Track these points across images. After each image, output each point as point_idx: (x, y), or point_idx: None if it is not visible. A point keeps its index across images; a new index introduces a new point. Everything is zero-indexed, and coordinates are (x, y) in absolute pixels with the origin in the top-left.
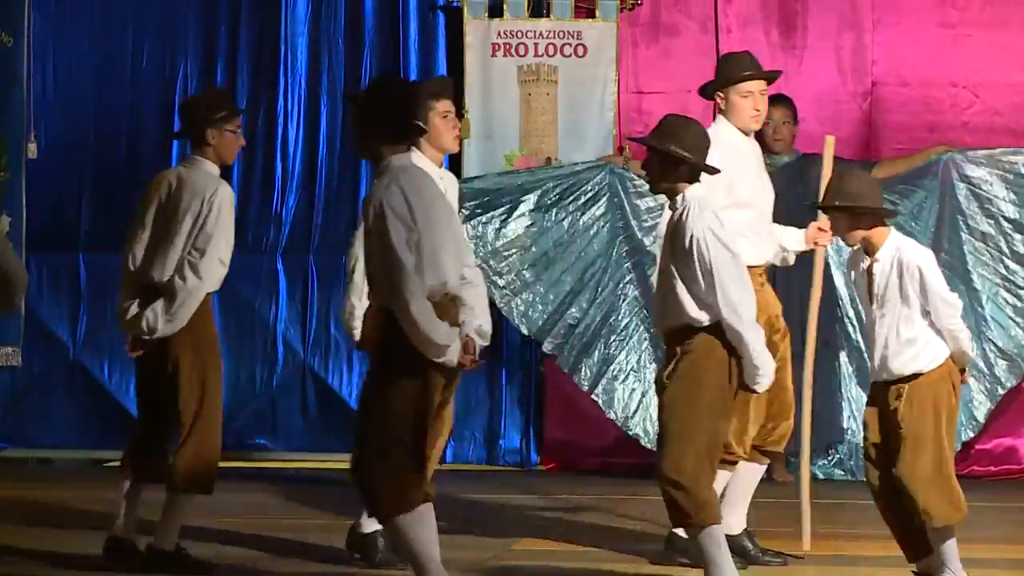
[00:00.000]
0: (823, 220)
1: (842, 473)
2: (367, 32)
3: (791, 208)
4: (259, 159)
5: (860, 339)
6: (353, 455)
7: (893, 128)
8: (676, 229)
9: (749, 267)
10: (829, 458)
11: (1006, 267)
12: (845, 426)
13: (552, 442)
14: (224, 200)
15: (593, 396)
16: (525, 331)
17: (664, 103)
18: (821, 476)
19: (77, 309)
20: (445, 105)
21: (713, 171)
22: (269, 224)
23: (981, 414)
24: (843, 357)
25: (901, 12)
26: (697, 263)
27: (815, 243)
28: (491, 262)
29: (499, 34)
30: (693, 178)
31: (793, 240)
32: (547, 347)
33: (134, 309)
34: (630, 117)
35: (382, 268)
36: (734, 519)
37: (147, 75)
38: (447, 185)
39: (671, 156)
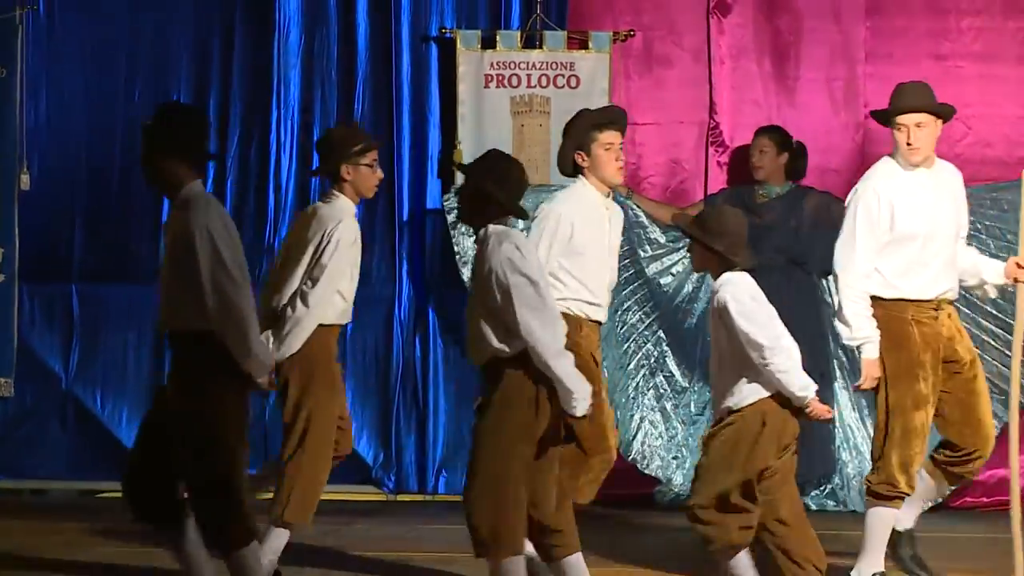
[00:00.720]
0: (1022, 255)
1: (835, 504)
2: (360, 63)
3: (783, 239)
4: (252, 190)
5: (850, 371)
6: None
7: None
8: (478, 261)
9: (917, 301)
10: (822, 489)
11: (993, 302)
12: (837, 457)
13: None
14: (344, 234)
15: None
16: None
17: (657, 134)
18: (814, 507)
19: (70, 340)
20: (609, 136)
21: (523, 215)
22: (262, 255)
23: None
24: (836, 387)
25: (893, 44)
26: (497, 294)
27: (1015, 279)
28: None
29: (492, 65)
30: (501, 218)
31: (992, 273)
32: None
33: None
34: (624, 148)
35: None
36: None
37: (140, 106)
38: (612, 215)
39: (483, 193)
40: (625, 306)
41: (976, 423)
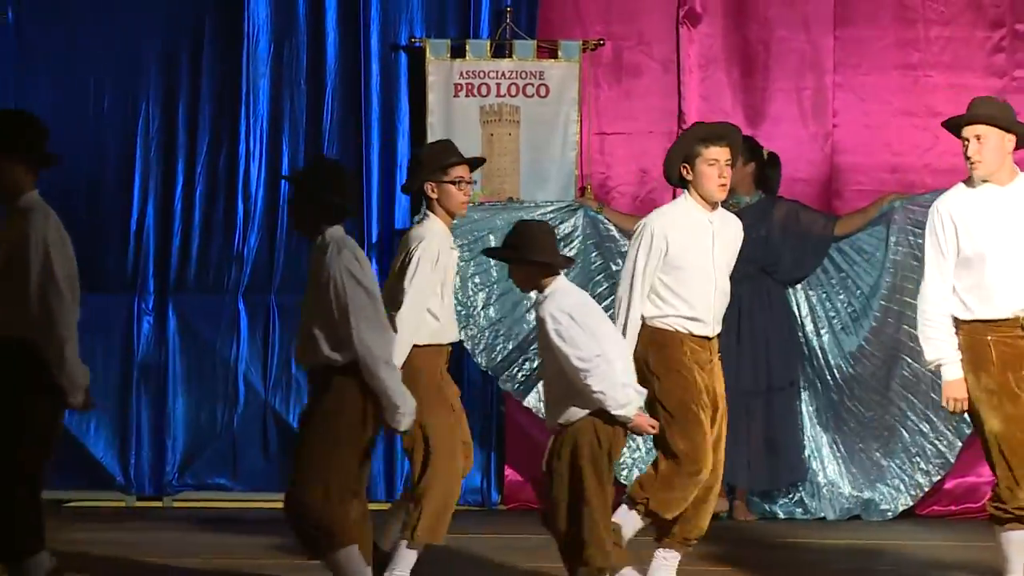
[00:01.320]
0: None
1: (803, 512)
2: (329, 72)
3: (753, 248)
4: (221, 199)
5: (819, 379)
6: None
7: (854, 169)
8: (315, 268)
9: (994, 321)
10: (791, 497)
11: None
12: (808, 466)
13: (513, 481)
14: (424, 254)
15: None
16: (484, 367)
17: (627, 144)
18: (783, 515)
19: None
20: (714, 152)
21: (352, 214)
22: (231, 264)
23: (952, 454)
24: (804, 396)
25: (862, 53)
26: (334, 302)
27: None
28: (458, 296)
29: (461, 74)
30: (336, 219)
31: None
32: (505, 386)
33: None
34: (593, 158)
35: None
36: None
37: (109, 115)
38: (718, 229)
39: (322, 201)
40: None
41: None
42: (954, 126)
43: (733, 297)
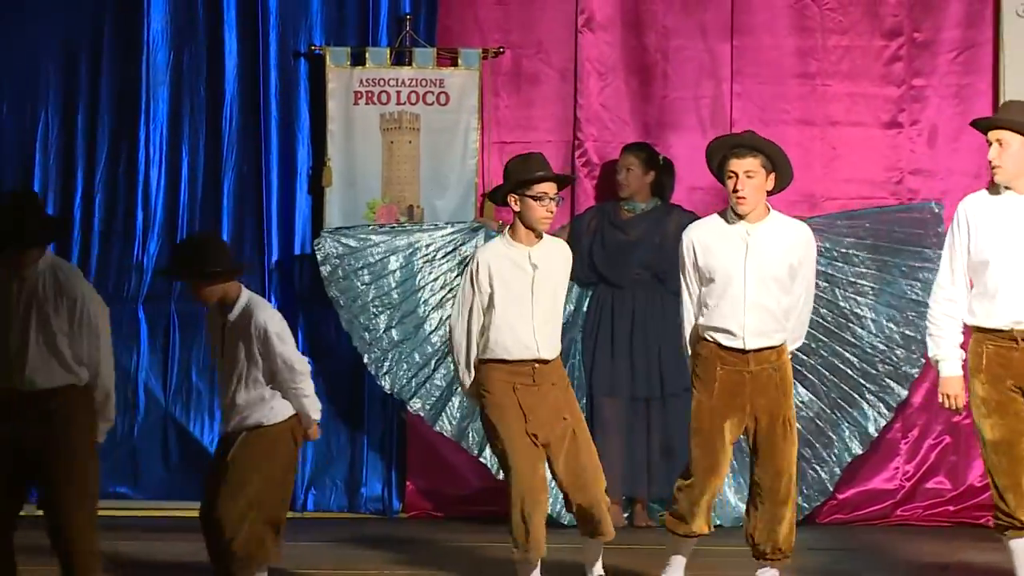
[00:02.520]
0: None
1: None
2: (228, 80)
3: (647, 255)
4: (120, 207)
5: None
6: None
7: None
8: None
9: (989, 330)
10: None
11: (839, 310)
12: None
13: (414, 490)
14: (476, 265)
15: (481, 459)
16: (388, 390)
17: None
18: None
19: None
20: (734, 164)
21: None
22: (130, 272)
23: (832, 482)
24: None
25: (760, 62)
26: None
27: None
28: (360, 318)
29: (361, 82)
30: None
31: None
32: (414, 408)
33: None
34: (492, 167)
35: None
36: None
37: (7, 122)
38: (753, 240)
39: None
40: None
41: None
42: (981, 128)
43: (627, 304)
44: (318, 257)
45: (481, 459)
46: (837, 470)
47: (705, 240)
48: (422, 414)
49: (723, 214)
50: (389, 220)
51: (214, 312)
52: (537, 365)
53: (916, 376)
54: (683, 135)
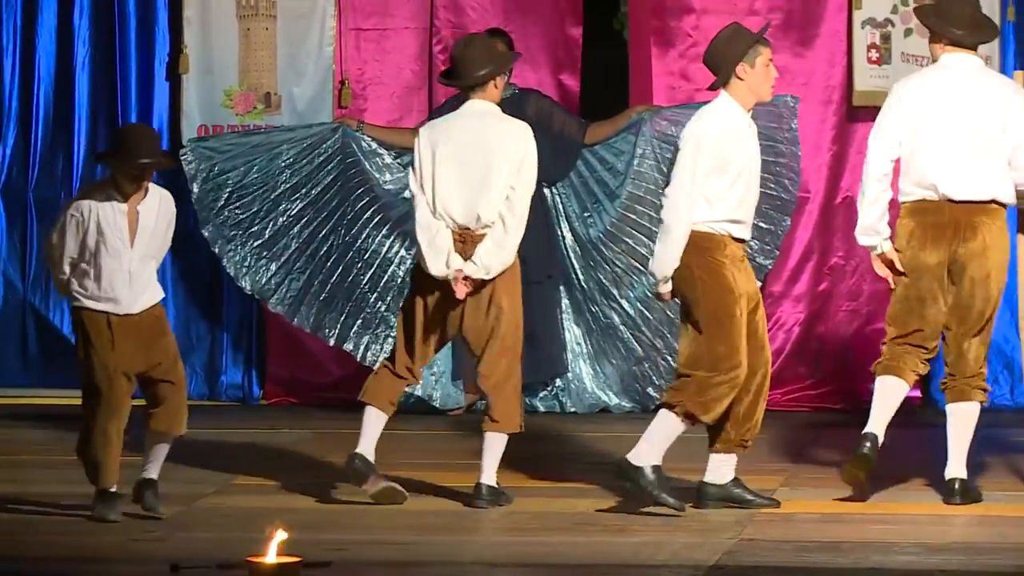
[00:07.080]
0: None
1: (558, 406)
2: None
3: None
4: None
5: (576, 273)
6: None
7: None
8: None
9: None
10: (550, 390)
11: None
12: (567, 360)
13: (274, 377)
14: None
15: (345, 347)
16: (250, 291)
17: (382, 39)
18: (543, 409)
19: None
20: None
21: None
22: None
23: None
24: (562, 290)
25: None
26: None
27: None
28: (220, 222)
29: None
30: None
31: None
32: (275, 308)
33: None
34: (349, 54)
35: None
36: None
37: None
38: (755, 131)
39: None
40: (369, 233)
41: None
42: None
43: None
44: (185, 168)
45: (345, 347)
46: None
47: (722, 132)
48: (281, 310)
49: (722, 105)
50: (247, 107)
51: (132, 198)
52: None
53: (769, 268)
54: (541, 21)
